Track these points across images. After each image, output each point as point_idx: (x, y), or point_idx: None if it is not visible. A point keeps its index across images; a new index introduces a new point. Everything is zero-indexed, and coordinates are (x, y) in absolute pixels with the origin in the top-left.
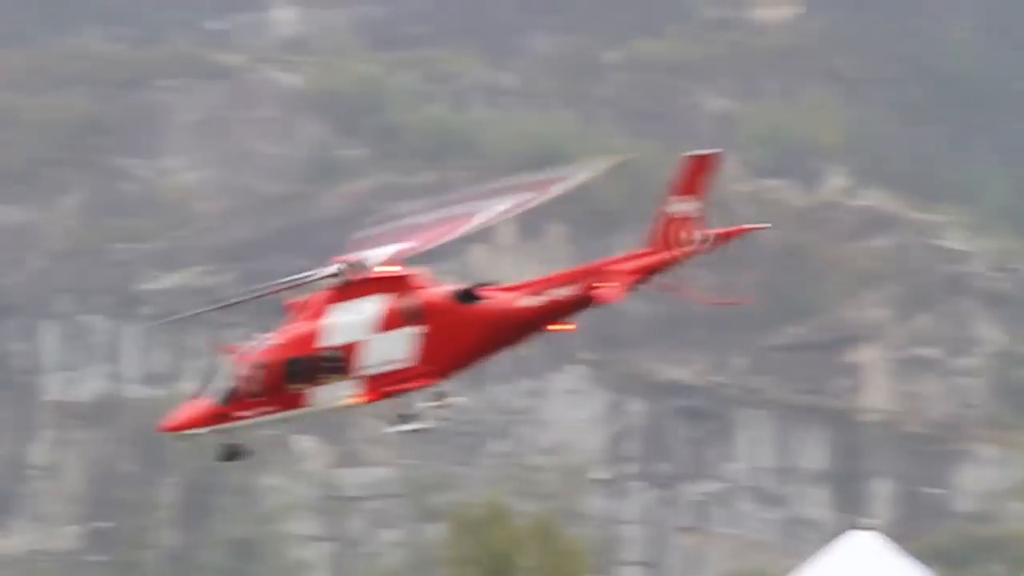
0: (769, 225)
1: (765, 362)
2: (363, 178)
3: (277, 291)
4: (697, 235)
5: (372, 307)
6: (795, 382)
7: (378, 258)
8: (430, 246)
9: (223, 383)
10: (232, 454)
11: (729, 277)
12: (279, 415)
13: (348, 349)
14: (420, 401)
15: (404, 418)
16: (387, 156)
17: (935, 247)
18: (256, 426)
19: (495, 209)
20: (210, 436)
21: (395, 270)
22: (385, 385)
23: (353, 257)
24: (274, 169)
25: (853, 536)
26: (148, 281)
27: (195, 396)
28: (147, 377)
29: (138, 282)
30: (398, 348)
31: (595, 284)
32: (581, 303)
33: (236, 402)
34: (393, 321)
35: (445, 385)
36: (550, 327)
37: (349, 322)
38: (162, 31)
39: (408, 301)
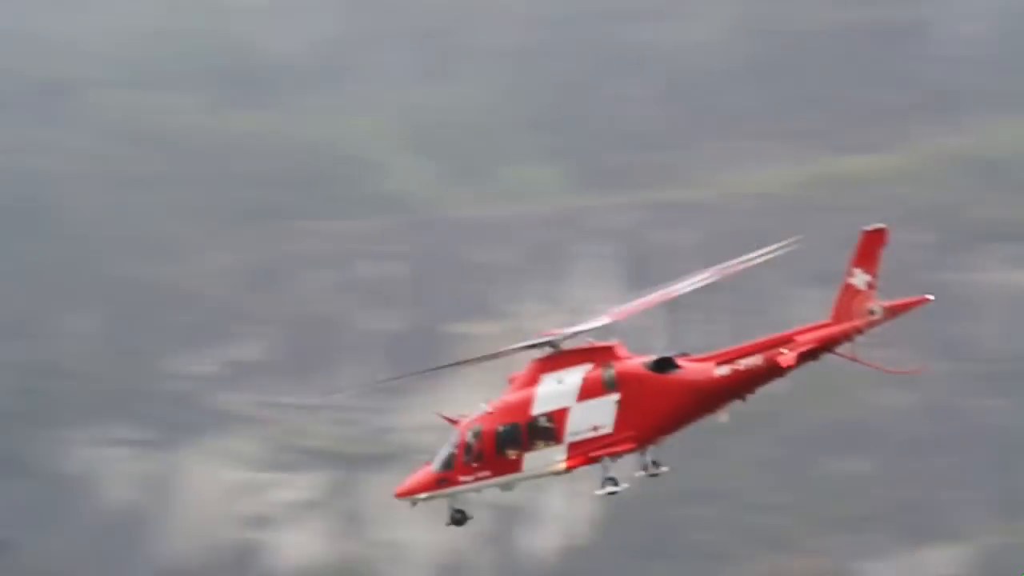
0: (932, 297)
1: None
2: None
3: (494, 357)
4: (876, 307)
5: (576, 377)
6: None
7: (586, 330)
8: (629, 315)
9: (445, 450)
10: (460, 519)
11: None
12: (495, 480)
13: (556, 416)
14: (632, 468)
15: (610, 481)
16: None
17: None
18: (474, 490)
19: (693, 281)
20: (437, 501)
21: (598, 342)
22: (589, 451)
23: (559, 330)
24: None
25: None
26: None
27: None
28: None
29: None
30: (599, 416)
31: (780, 352)
32: (769, 372)
33: (457, 468)
34: (594, 390)
35: (653, 452)
36: (746, 395)
37: (556, 391)
38: None
39: (607, 370)
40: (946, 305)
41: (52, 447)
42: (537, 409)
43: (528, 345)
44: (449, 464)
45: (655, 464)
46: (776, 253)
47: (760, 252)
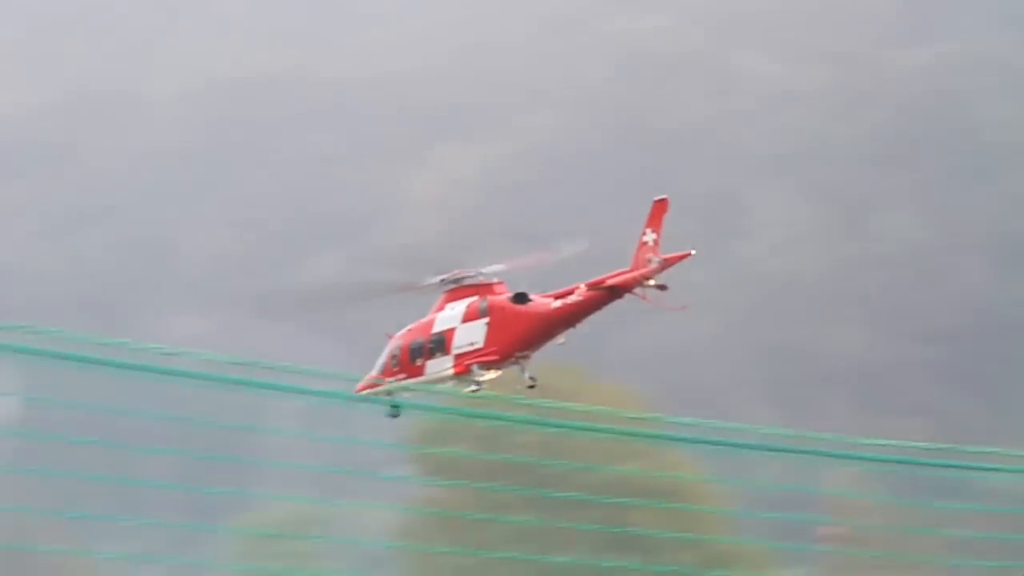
0: (694, 252)
1: None
2: None
3: (412, 290)
4: (655, 258)
5: (463, 306)
6: None
7: (484, 272)
8: (518, 265)
9: (381, 359)
10: (395, 413)
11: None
12: (409, 381)
13: (447, 335)
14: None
15: (476, 384)
16: None
17: None
18: (397, 389)
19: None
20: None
21: (488, 280)
22: (467, 361)
23: (457, 271)
24: None
25: None
26: None
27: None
28: None
29: None
30: (475, 335)
31: (595, 291)
32: (589, 305)
33: (386, 371)
34: (473, 315)
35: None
36: (575, 323)
37: (449, 316)
38: None
39: (483, 301)
40: None
41: None
42: (436, 328)
43: (441, 279)
44: (382, 368)
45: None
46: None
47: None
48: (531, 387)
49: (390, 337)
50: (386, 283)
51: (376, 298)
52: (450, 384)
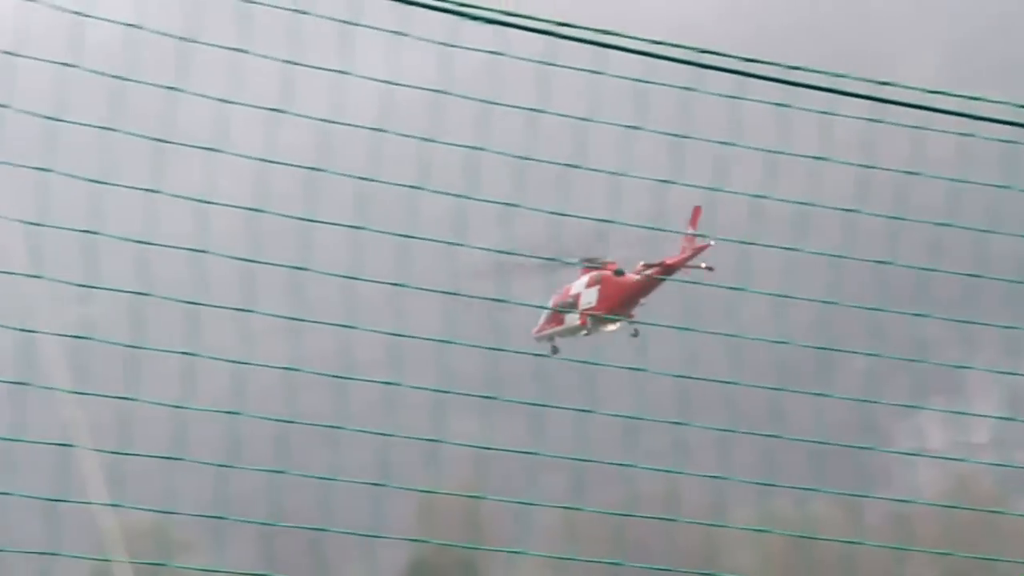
0: (712, 242)
1: None
2: None
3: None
4: (695, 245)
5: (587, 278)
6: None
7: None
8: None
9: (545, 312)
10: (555, 350)
11: None
12: (556, 329)
13: (576, 297)
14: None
15: (587, 330)
16: None
17: None
18: (553, 335)
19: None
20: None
21: (604, 260)
22: (586, 314)
23: (587, 254)
24: None
25: None
26: None
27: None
28: None
29: None
30: (591, 297)
31: (657, 267)
32: (656, 279)
33: (544, 323)
34: (592, 284)
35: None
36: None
37: (579, 284)
38: None
39: (597, 274)
40: None
41: None
42: (572, 292)
43: (579, 259)
44: (547, 318)
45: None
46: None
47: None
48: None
49: (551, 298)
50: (545, 259)
51: (538, 269)
52: (581, 333)
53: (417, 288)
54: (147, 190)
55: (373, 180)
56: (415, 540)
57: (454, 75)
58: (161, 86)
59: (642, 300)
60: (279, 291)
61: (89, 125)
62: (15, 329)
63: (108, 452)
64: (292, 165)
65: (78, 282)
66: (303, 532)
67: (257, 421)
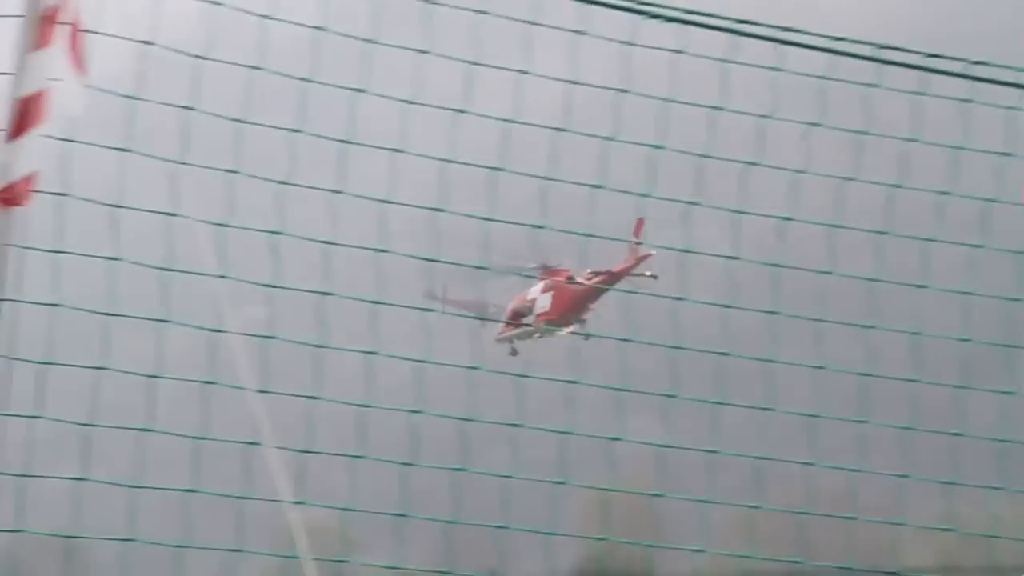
0: (654, 252)
1: None
2: None
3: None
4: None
5: (542, 284)
6: None
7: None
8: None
9: (504, 315)
10: (513, 352)
11: None
12: (514, 331)
13: (532, 302)
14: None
15: (539, 332)
16: None
17: None
18: (512, 338)
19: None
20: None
21: (560, 268)
22: (540, 319)
23: (543, 262)
24: None
25: None
26: None
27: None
28: None
29: None
30: (545, 303)
31: (604, 275)
32: (602, 287)
33: (506, 327)
34: (546, 290)
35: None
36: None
37: (534, 290)
38: None
39: (550, 281)
40: None
41: None
42: (529, 297)
43: (535, 266)
44: (506, 321)
45: (587, 336)
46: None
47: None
48: (586, 338)
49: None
50: (505, 267)
51: (499, 277)
52: (534, 336)
53: (594, 286)
54: (331, 191)
55: (553, 180)
56: (593, 539)
57: (633, 73)
58: (346, 87)
59: (591, 306)
60: (459, 288)
61: (274, 127)
62: (204, 329)
63: (291, 451)
64: (473, 165)
65: (263, 282)
66: (482, 529)
67: (436, 419)
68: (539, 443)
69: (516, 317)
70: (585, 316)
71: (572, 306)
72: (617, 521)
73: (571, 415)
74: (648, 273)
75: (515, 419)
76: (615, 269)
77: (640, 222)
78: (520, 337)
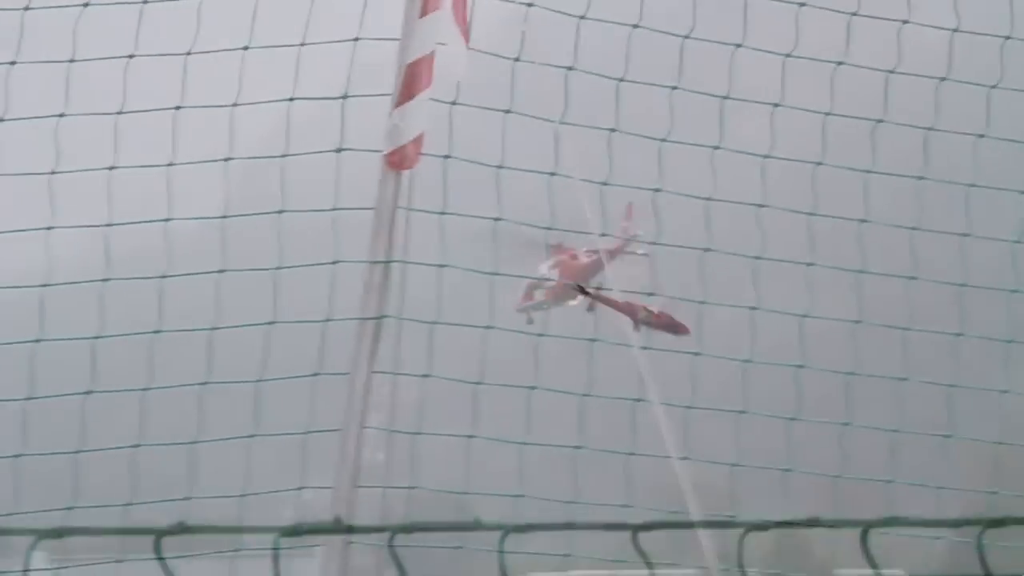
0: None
1: None
2: None
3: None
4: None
5: (551, 261)
6: None
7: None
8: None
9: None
10: (530, 321)
11: None
12: (528, 303)
13: (543, 276)
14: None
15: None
16: None
17: None
18: (529, 309)
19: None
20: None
21: (567, 245)
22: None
23: (553, 240)
24: None
25: None
26: None
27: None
28: None
29: None
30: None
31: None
32: (602, 261)
33: (522, 297)
34: (553, 266)
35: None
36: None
37: (545, 266)
38: None
39: (558, 257)
40: None
41: None
42: (540, 273)
43: (548, 244)
44: (524, 294)
45: (591, 308)
46: None
47: None
48: (589, 310)
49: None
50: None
51: (518, 254)
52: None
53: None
54: (711, 147)
55: (935, 130)
56: (984, 492)
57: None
58: (723, 43)
59: (591, 280)
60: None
61: (652, 84)
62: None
63: (676, 406)
64: (852, 117)
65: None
66: (869, 483)
67: (819, 373)
68: (926, 396)
69: (530, 289)
70: (589, 288)
71: (574, 279)
72: (1008, 475)
73: (955, 370)
74: (640, 251)
75: (899, 372)
76: (607, 248)
77: (630, 208)
78: (536, 308)
